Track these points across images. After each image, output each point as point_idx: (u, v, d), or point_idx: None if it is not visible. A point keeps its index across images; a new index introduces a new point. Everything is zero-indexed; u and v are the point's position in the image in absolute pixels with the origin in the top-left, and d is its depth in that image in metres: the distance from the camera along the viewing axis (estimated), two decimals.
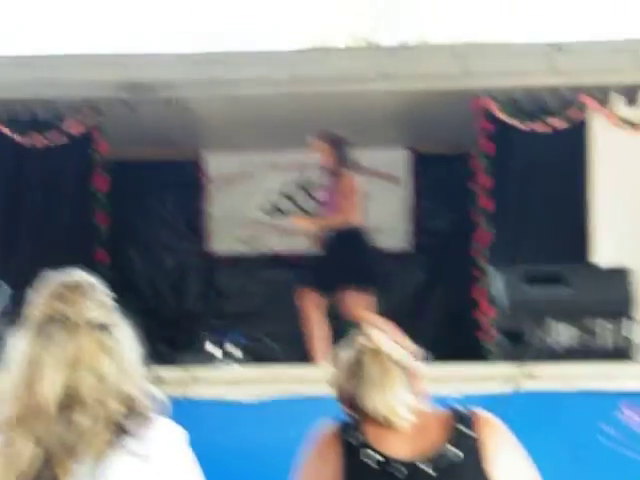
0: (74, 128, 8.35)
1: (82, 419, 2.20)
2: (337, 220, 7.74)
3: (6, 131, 8.25)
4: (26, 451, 2.17)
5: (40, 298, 2.31)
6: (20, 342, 2.27)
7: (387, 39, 14.93)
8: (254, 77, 8.28)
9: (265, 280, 10.44)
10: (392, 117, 9.14)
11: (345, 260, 7.68)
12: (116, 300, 2.40)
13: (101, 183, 8.40)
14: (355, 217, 7.83)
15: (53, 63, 8.40)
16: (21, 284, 4.91)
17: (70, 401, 2.22)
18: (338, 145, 7.94)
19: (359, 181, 7.95)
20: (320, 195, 8.05)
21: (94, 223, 8.28)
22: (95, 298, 2.34)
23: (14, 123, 8.34)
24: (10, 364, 2.27)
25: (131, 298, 7.24)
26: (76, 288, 2.33)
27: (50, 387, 2.22)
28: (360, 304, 7.70)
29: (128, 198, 9.60)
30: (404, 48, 10.45)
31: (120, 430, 2.23)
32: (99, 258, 8.27)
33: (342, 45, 14.33)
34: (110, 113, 8.33)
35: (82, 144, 8.37)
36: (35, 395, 2.23)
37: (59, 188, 8.34)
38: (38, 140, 8.31)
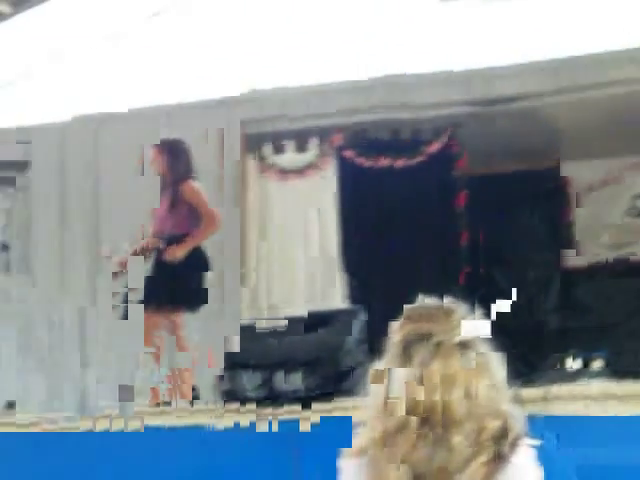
0: (433, 147, 8.44)
1: (457, 439, 2.15)
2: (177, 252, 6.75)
3: (355, 153, 8.45)
4: (391, 471, 2.17)
5: (406, 318, 2.33)
6: (383, 363, 2.29)
7: None
8: (613, 79, 8.02)
9: (629, 289, 10.00)
10: None
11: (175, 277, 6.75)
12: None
13: (461, 199, 8.42)
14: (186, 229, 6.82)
15: (406, 85, 8.56)
16: (379, 310, 4.99)
17: (444, 420, 2.18)
18: (174, 153, 7.01)
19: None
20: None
21: (457, 241, 8.28)
22: (459, 318, 2.33)
23: (366, 145, 8.54)
24: (372, 385, 2.29)
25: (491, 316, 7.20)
26: (441, 308, 2.34)
27: (413, 405, 2.21)
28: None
29: (488, 213, 9.53)
30: None
31: (497, 452, 2.17)
32: (464, 276, 8.28)
33: None
34: (466, 129, 8.36)
35: (441, 162, 8.43)
36: (397, 413, 2.22)
37: (415, 206, 8.43)
38: (397, 161, 8.47)
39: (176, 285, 6.72)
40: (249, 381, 5.44)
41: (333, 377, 5.31)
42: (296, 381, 5.34)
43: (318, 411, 4.88)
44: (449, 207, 8.41)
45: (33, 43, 11.20)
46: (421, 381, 2.19)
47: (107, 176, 7.29)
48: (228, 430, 5.22)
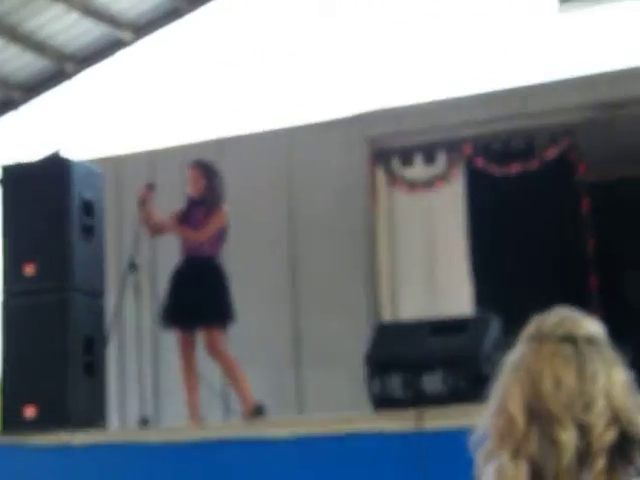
0: (549, 153, 8.35)
1: (564, 435, 2.03)
2: (195, 236, 6.90)
3: (481, 163, 8.46)
4: (508, 469, 2.07)
5: (528, 329, 2.27)
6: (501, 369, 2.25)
7: None
8: None
9: None
10: None
11: (197, 293, 6.85)
12: (608, 324, 2.29)
13: (583, 206, 8.29)
14: (212, 248, 6.96)
15: (525, 95, 8.51)
16: (510, 315, 4.94)
17: (535, 412, 2.08)
18: (211, 175, 7.06)
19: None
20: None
21: (580, 247, 8.16)
22: (569, 318, 2.25)
23: (490, 155, 8.52)
24: (492, 391, 2.25)
25: (623, 322, 7.07)
26: (554, 312, 2.27)
27: (512, 401, 2.16)
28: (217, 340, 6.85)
29: (612, 219, 9.32)
30: None
31: (616, 454, 2.02)
32: (590, 284, 8.13)
33: None
34: (586, 134, 8.24)
35: (558, 168, 8.34)
36: (504, 412, 2.18)
37: (538, 214, 8.36)
38: (512, 167, 8.40)
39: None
40: (396, 383, 5.41)
41: (471, 381, 5.26)
42: (436, 383, 5.33)
43: (457, 414, 4.82)
44: (569, 214, 8.29)
45: (154, 69, 11.45)
46: (518, 376, 2.12)
47: (231, 198, 7.41)
48: (371, 434, 5.20)
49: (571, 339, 2.16)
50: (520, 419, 2.09)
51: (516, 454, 2.09)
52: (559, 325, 2.17)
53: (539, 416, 2.08)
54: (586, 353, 2.15)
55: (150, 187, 7.16)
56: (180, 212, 7.11)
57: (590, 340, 2.17)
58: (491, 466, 2.13)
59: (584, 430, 2.05)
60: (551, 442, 2.06)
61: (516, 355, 2.20)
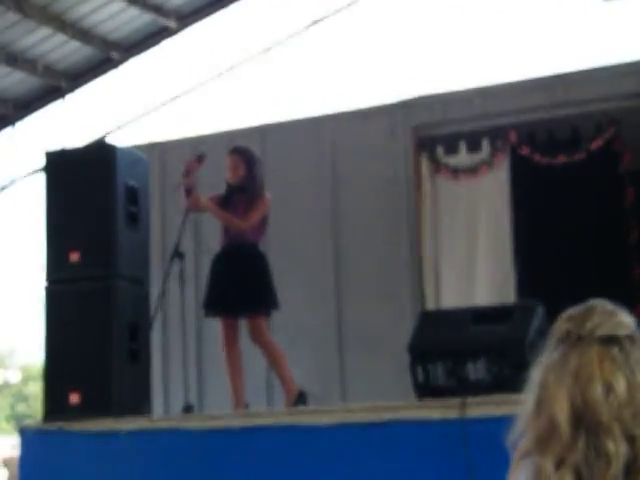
0: (595, 144, 8.29)
1: (612, 446, 1.98)
2: (239, 224, 6.82)
3: (526, 151, 8.42)
4: (552, 477, 2.01)
5: (563, 319, 2.24)
6: (537, 365, 2.21)
7: None
8: None
9: None
10: None
11: (240, 281, 6.80)
12: None
13: (628, 196, 8.23)
14: (255, 235, 6.93)
15: (569, 83, 8.46)
16: (552, 304, 4.93)
17: (583, 420, 2.01)
18: (251, 162, 6.97)
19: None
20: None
21: (624, 237, 8.10)
22: (607, 314, 2.20)
23: (535, 145, 8.49)
24: (529, 388, 2.21)
25: None
26: (591, 308, 2.24)
27: (557, 406, 2.08)
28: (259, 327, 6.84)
29: None
30: None
31: None
32: (633, 274, 8.07)
33: None
34: (630, 123, 8.16)
35: (603, 158, 8.27)
36: (545, 415, 2.14)
37: (582, 203, 8.31)
38: (558, 158, 8.36)
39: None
40: (439, 371, 5.41)
41: (515, 369, 5.23)
42: (480, 372, 5.31)
43: (501, 402, 4.82)
44: (613, 204, 8.22)
45: (198, 57, 11.50)
46: (560, 378, 2.06)
47: (275, 184, 7.43)
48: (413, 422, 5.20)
49: (615, 340, 2.11)
50: (565, 426, 2.03)
51: (560, 463, 2.03)
52: (600, 325, 2.12)
53: (586, 425, 2.02)
54: (632, 354, 2.09)
55: (200, 158, 7.07)
56: (219, 198, 7.06)
57: (632, 339, 2.12)
58: (526, 467, 2.09)
59: (632, 441, 2.00)
60: (598, 453, 1.99)
61: (557, 356, 2.15)
